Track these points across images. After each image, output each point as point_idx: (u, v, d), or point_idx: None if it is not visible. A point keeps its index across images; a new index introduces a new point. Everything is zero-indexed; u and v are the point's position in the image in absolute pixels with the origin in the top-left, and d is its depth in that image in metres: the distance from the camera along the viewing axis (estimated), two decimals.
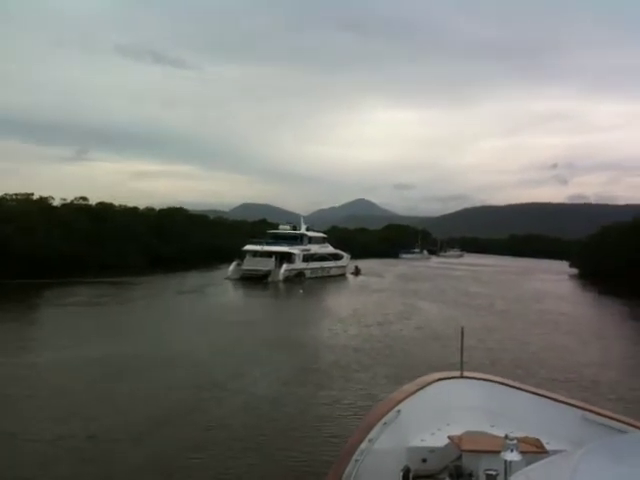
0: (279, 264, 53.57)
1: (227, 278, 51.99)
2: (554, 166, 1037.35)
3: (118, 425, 11.77)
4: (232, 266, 53.83)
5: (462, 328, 6.80)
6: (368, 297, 41.19)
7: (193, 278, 52.17)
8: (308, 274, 57.51)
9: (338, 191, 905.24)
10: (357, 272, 66.75)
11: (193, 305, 33.51)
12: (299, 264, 56.81)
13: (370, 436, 4.89)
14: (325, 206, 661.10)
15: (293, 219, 69.66)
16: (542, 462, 2.94)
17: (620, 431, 5.03)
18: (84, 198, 65.77)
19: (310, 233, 64.61)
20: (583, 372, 17.90)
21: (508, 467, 3.55)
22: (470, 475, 4.70)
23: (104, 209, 65.29)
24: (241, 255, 55.51)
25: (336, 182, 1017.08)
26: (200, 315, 29.41)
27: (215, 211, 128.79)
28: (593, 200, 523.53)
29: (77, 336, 21.98)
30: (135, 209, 74.31)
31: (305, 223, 66.99)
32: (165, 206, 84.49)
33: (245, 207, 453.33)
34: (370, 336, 23.76)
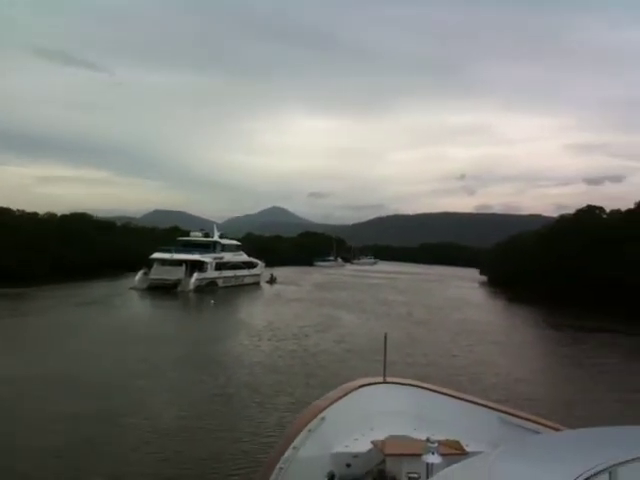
0: (190, 273, 50.94)
1: (133, 288, 48.88)
2: (462, 177, 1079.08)
3: None
4: (138, 275, 50.73)
5: (385, 334, 6.91)
6: (284, 307, 39.43)
7: (97, 288, 48.71)
8: (220, 283, 55.12)
9: (254, 199, 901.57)
10: (273, 280, 65.04)
11: (93, 319, 30.38)
12: (211, 273, 54.34)
13: (295, 444, 4.87)
14: (240, 214, 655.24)
15: (207, 226, 66.91)
16: (460, 464, 2.97)
17: (535, 432, 5.15)
18: None
19: (223, 241, 62.18)
20: (515, 388, 16.96)
21: (429, 469, 3.73)
22: (393, 478, 4.77)
23: (1, 214, 60.10)
24: (149, 264, 52.40)
25: (253, 190, 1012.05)
26: (100, 330, 26.53)
27: (124, 217, 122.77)
28: (499, 210, 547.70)
29: None
30: (35, 214, 69.28)
31: (219, 230, 64.61)
32: (72, 212, 79.58)
33: (157, 214, 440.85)
34: (286, 352, 22.00)
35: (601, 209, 60.52)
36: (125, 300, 42.24)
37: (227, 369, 18.63)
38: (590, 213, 60.05)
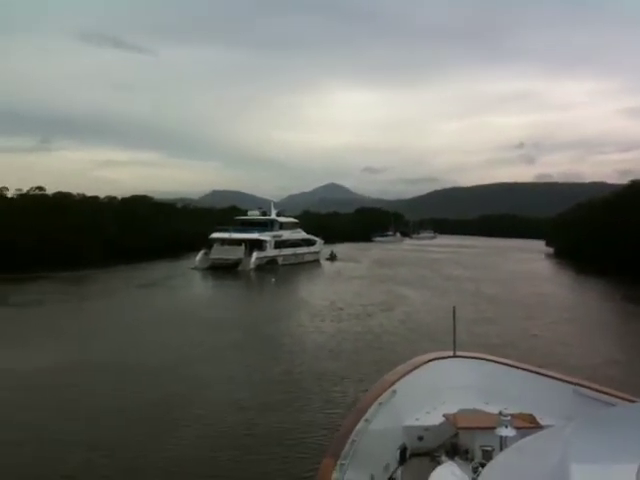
0: (249, 252, 50.71)
1: (194, 268, 49.15)
2: (520, 145, 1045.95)
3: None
4: (199, 255, 50.98)
5: (454, 307, 6.82)
6: (345, 285, 38.55)
7: (158, 269, 49.16)
8: (280, 261, 54.75)
9: (308, 176, 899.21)
10: (333, 258, 64.35)
11: (155, 300, 30.43)
12: (271, 251, 54.02)
13: (366, 416, 4.85)
14: (296, 191, 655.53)
15: (264, 205, 66.40)
16: (534, 436, 2.92)
17: (610, 404, 5.04)
18: (40, 188, 62.10)
19: (281, 219, 61.65)
20: (613, 373, 15.42)
21: (503, 442, 3.80)
22: (466, 451, 4.78)
23: (62, 199, 61.44)
24: (209, 244, 52.51)
25: (305, 167, 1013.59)
26: (161, 313, 26.39)
27: (184, 199, 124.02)
28: (559, 179, 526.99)
29: (19, 342, 18.84)
30: (96, 198, 70.66)
31: (276, 208, 64.03)
32: (132, 195, 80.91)
33: (215, 194, 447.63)
34: (350, 334, 20.98)
35: None
36: (187, 280, 42.41)
37: (290, 353, 17.84)
38: None
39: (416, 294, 32.94)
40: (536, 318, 24.75)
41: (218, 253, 51.00)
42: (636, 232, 49.01)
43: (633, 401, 4.90)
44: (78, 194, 66.78)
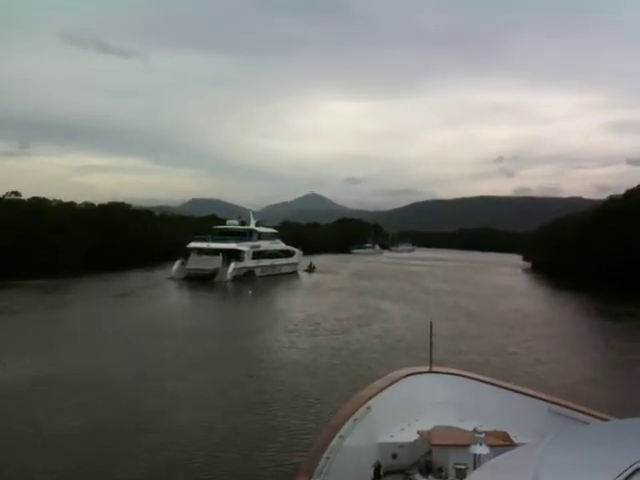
0: (227, 262, 50.06)
1: (170, 278, 48.35)
2: (500, 159, 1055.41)
3: None
4: (176, 265, 50.14)
5: (430, 322, 6.86)
6: (323, 298, 38.11)
7: (134, 278, 48.31)
8: (258, 273, 54.16)
9: (288, 185, 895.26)
10: (311, 269, 63.97)
11: (126, 312, 29.63)
12: (248, 262, 53.40)
13: (341, 432, 4.79)
14: (277, 201, 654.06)
15: (243, 214, 65.80)
16: (508, 454, 2.94)
17: (584, 422, 5.08)
18: (16, 193, 60.86)
19: (260, 229, 61.09)
20: (596, 393, 15.17)
21: (477, 460, 3.82)
22: (440, 469, 4.74)
23: (38, 205, 60.26)
24: (186, 253, 51.72)
25: (286, 176, 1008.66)
26: (132, 324, 25.69)
27: (164, 207, 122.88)
28: (538, 193, 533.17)
29: None
30: (72, 204, 69.44)
31: (255, 218, 63.49)
32: (109, 202, 79.65)
33: (194, 202, 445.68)
34: (327, 349, 20.53)
35: None
36: (162, 291, 41.64)
37: (265, 370, 17.33)
38: None
39: (394, 308, 32.65)
40: (515, 335, 24.61)
41: (195, 263, 50.22)
42: (610, 248, 49.60)
43: (606, 419, 4.94)
44: (54, 200, 65.67)
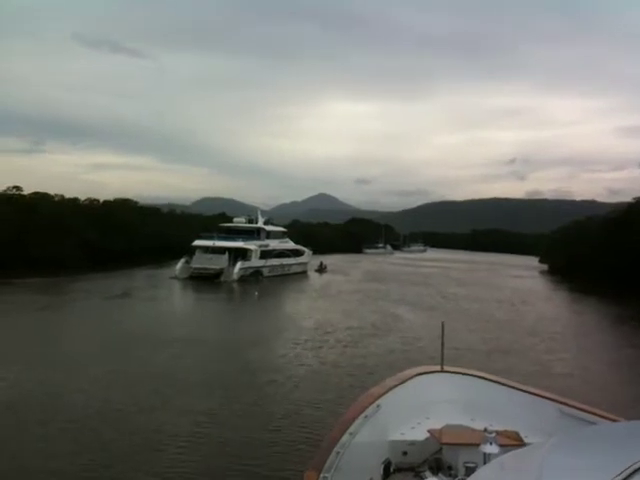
0: (233, 261, 47.75)
1: (174, 278, 46.26)
2: (512, 161, 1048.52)
3: None
4: (179, 264, 47.99)
5: (442, 323, 7.03)
6: (334, 302, 35.50)
7: (135, 278, 46.36)
8: (266, 273, 51.83)
9: (299, 185, 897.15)
10: (322, 269, 61.73)
11: (121, 317, 27.09)
12: (256, 261, 51.06)
13: (351, 429, 4.74)
14: (287, 200, 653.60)
15: (253, 213, 63.50)
16: (514, 452, 2.96)
17: (593, 423, 4.93)
18: (17, 187, 58.97)
19: (268, 227, 58.65)
20: None
21: (487, 459, 3.73)
22: (450, 468, 4.71)
23: (39, 200, 58.28)
24: (191, 251, 49.43)
25: (297, 176, 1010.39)
26: (130, 329, 23.40)
27: (175, 205, 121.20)
28: (550, 196, 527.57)
29: None
30: (75, 200, 67.44)
31: (264, 216, 61.10)
32: (114, 198, 77.63)
33: (206, 201, 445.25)
34: (338, 366, 18.01)
35: None
36: (163, 292, 39.43)
37: (269, 390, 14.94)
38: None
39: (411, 316, 29.98)
40: (558, 349, 21.92)
41: (200, 262, 47.97)
42: (633, 252, 47.27)
43: (616, 420, 4.84)
44: (56, 195, 63.78)
